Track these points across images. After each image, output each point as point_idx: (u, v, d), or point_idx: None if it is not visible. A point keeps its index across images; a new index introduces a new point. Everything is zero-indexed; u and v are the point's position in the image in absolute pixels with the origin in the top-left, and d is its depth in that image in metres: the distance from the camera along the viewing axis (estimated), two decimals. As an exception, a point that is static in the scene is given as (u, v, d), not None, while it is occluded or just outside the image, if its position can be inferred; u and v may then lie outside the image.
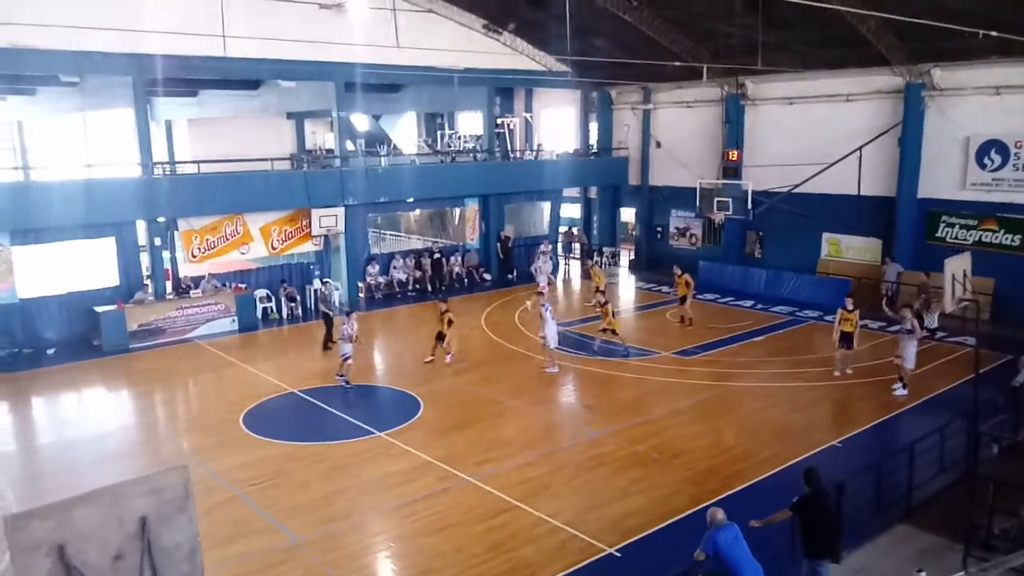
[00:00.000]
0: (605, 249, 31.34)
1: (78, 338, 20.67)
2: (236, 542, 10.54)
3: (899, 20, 16.33)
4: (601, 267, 26.06)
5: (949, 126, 22.20)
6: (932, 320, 19.50)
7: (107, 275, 21.38)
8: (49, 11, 18.61)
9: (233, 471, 12.80)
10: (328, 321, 20.43)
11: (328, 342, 20.16)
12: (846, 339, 16.94)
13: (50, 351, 20.04)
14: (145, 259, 22.41)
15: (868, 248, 24.59)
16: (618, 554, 10.09)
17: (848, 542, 9.55)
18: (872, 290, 22.74)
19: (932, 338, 19.38)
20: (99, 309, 20.44)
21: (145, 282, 22.04)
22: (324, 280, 23.51)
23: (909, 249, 23.13)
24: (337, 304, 22.66)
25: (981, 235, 21.85)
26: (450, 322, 18.22)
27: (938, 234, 22.74)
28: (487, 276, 28.73)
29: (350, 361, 17.05)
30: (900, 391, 15.80)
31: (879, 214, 23.77)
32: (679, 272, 21.71)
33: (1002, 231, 21.51)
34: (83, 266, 21.43)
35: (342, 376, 17.06)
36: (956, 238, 22.29)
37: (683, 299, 21.56)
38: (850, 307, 16.98)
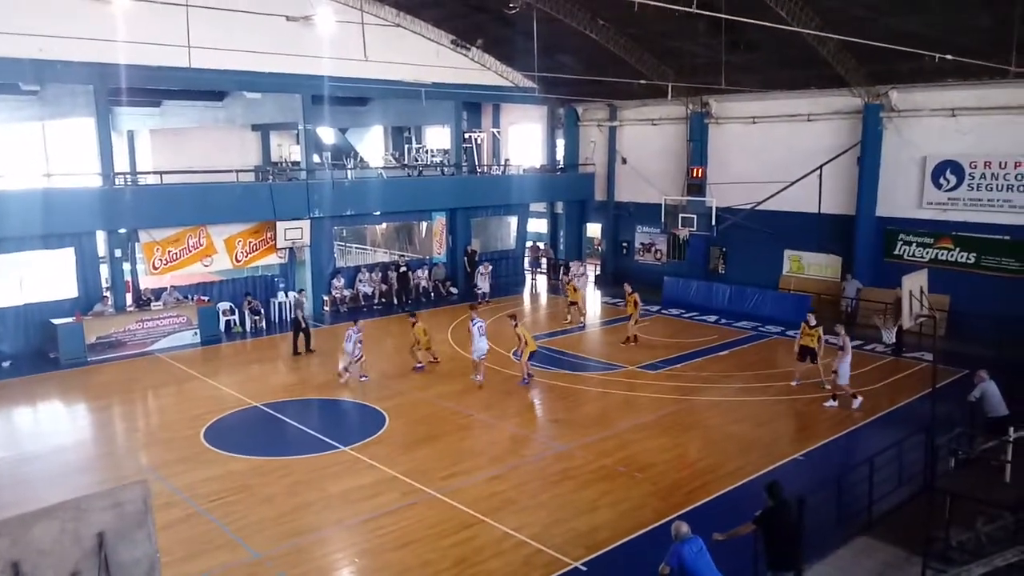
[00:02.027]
0: (572, 264, 31.47)
1: (34, 351, 20.25)
2: (197, 558, 10.35)
3: (857, 43, 16.73)
4: (571, 280, 26.05)
5: (906, 146, 22.75)
6: (890, 336, 19.90)
7: (66, 287, 20.98)
8: (9, 18, 18.29)
9: (194, 486, 12.59)
10: (299, 328, 20.44)
11: (297, 348, 20.45)
12: (807, 354, 17.22)
13: (5, 364, 19.59)
14: (105, 271, 22.00)
15: (829, 265, 25.04)
16: (584, 568, 10.10)
17: (810, 554, 9.66)
18: (833, 306, 23.19)
19: (896, 354, 19.88)
20: (57, 321, 20.00)
21: (105, 294, 21.63)
22: (300, 289, 23.96)
23: (868, 266, 23.60)
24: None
25: (937, 253, 22.39)
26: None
27: (896, 252, 23.24)
28: (454, 290, 28.70)
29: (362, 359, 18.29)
30: (831, 404, 16.16)
31: (839, 232, 24.23)
32: (629, 290, 21.62)
33: (957, 249, 22.07)
34: (41, 277, 20.99)
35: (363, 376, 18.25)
36: (913, 256, 22.78)
37: (629, 317, 21.47)
38: (813, 323, 17.27)
